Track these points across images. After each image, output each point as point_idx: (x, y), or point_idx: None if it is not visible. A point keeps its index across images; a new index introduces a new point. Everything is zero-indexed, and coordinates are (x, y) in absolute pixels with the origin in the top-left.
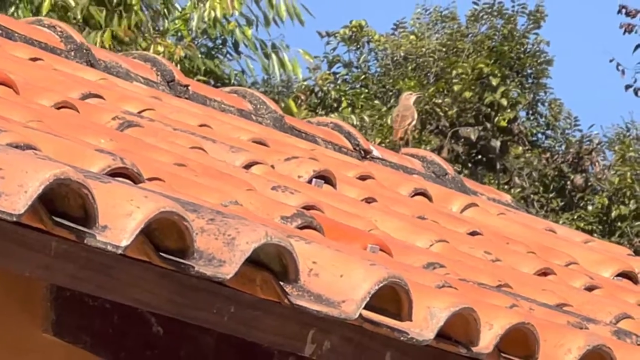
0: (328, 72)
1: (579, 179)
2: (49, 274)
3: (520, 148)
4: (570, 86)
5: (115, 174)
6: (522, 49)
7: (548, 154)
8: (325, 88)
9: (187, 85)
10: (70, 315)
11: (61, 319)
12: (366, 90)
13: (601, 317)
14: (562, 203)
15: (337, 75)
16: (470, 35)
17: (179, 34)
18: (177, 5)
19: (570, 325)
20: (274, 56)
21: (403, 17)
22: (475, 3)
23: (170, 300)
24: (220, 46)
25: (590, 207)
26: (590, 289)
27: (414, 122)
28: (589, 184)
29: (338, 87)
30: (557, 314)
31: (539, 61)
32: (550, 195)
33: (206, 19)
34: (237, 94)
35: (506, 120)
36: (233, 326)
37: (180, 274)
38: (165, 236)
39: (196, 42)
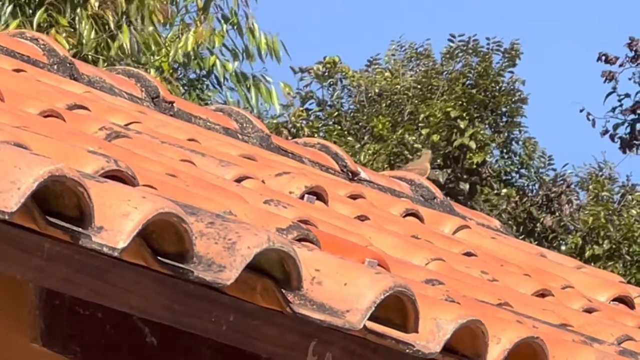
0: (301, 108)
1: (548, 221)
2: (41, 277)
3: (488, 190)
4: (544, 125)
5: (109, 177)
6: (497, 87)
7: (517, 197)
8: (298, 124)
9: (172, 102)
10: (60, 324)
11: (51, 328)
12: (339, 127)
13: (603, 338)
14: (535, 243)
15: (310, 112)
16: (445, 73)
17: (160, 66)
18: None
19: (578, 342)
20: (253, 89)
21: (377, 54)
22: (450, 40)
23: (167, 307)
24: (204, 78)
25: (563, 247)
26: (589, 311)
27: (428, 172)
28: (562, 223)
29: (311, 123)
30: (561, 332)
31: (513, 99)
32: (521, 237)
33: (184, 51)
34: (223, 112)
35: (475, 163)
36: (231, 336)
37: (178, 280)
38: (163, 239)
39: (180, 74)
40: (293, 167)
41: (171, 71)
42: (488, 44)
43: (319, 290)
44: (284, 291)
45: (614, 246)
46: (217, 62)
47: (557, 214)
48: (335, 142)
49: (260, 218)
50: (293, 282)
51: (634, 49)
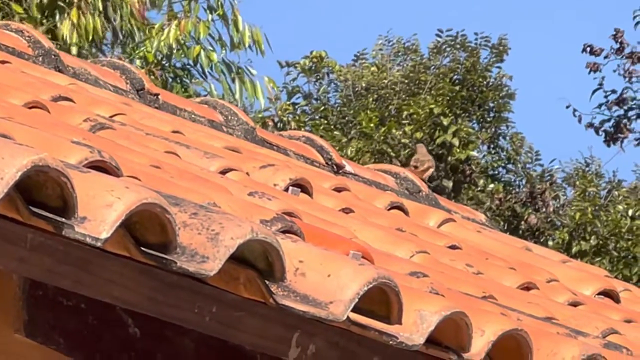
0: (288, 102)
1: (533, 219)
2: (24, 267)
3: (472, 187)
4: (531, 120)
5: (92, 167)
6: (485, 82)
7: (501, 195)
8: (285, 119)
9: (157, 94)
10: (44, 315)
11: (34, 319)
12: (325, 122)
13: (588, 331)
14: None
15: (297, 106)
16: (432, 68)
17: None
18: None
19: (563, 335)
20: (237, 81)
21: (364, 48)
22: (438, 35)
23: (150, 298)
24: (190, 68)
25: (550, 243)
26: (574, 304)
27: (432, 169)
28: (549, 219)
29: (298, 117)
30: (546, 325)
31: (500, 95)
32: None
33: (167, 44)
34: (208, 105)
35: (458, 160)
36: (214, 327)
37: (161, 271)
38: (146, 230)
39: (165, 64)
40: (278, 159)
41: (155, 62)
42: (476, 39)
43: (303, 281)
44: (267, 282)
45: (601, 242)
46: (202, 52)
47: (541, 211)
48: (322, 137)
49: (244, 210)
50: (276, 274)
51: (619, 40)
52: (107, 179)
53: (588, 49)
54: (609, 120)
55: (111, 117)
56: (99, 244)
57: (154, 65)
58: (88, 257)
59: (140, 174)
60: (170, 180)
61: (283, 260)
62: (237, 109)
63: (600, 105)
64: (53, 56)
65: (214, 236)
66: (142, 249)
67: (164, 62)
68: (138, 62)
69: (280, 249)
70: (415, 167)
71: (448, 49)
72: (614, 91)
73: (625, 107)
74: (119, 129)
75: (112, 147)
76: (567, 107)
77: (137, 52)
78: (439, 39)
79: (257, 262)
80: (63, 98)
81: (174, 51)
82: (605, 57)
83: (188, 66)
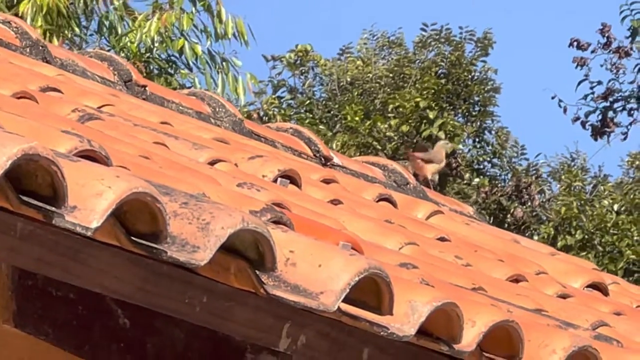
0: (273, 96)
1: (519, 212)
2: (14, 256)
3: (459, 181)
4: (517, 114)
5: (82, 157)
6: (470, 76)
7: (487, 188)
8: (270, 112)
9: (144, 86)
10: (33, 306)
11: (23, 309)
12: (310, 116)
13: (578, 324)
14: None
15: (282, 100)
16: (417, 62)
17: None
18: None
19: (554, 326)
20: (220, 75)
21: (349, 42)
22: (422, 29)
23: (140, 288)
24: (175, 60)
25: (536, 237)
26: (563, 297)
27: (439, 167)
28: (534, 214)
29: (283, 111)
30: (536, 317)
31: (486, 89)
32: None
33: (149, 37)
34: (196, 97)
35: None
36: (205, 317)
37: (151, 261)
38: (136, 219)
39: (149, 56)
40: (266, 150)
41: (139, 54)
42: (461, 33)
43: (293, 271)
44: (258, 272)
45: (586, 236)
46: (186, 44)
47: (527, 204)
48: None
49: (233, 200)
50: (267, 264)
51: (606, 35)
52: (97, 167)
53: (575, 43)
54: (594, 111)
55: (99, 108)
56: (89, 233)
57: (137, 57)
58: (78, 247)
59: (129, 164)
60: (159, 170)
61: (274, 250)
62: (225, 100)
63: (585, 97)
64: (41, 47)
65: (204, 226)
66: (133, 238)
67: (147, 55)
68: (122, 54)
69: (271, 239)
70: (422, 159)
71: (433, 43)
72: (599, 82)
73: (611, 99)
74: (107, 120)
75: (100, 137)
76: (553, 97)
77: (120, 43)
78: (423, 33)
79: (247, 252)
80: (51, 89)
81: (157, 43)
82: (593, 52)
83: (173, 57)
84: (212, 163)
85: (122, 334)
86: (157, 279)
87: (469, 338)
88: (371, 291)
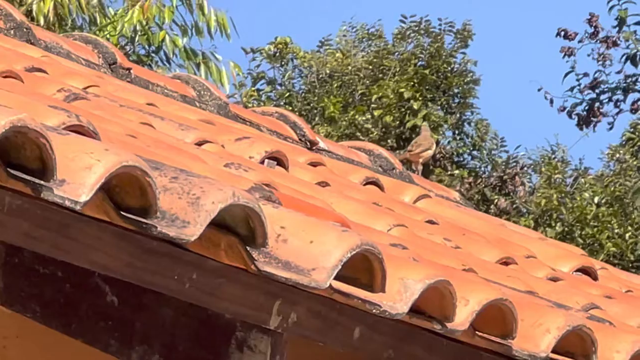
0: (253, 88)
1: (503, 203)
2: (1, 231)
3: (441, 171)
4: (496, 107)
5: (70, 131)
6: (449, 68)
7: (471, 179)
8: (250, 105)
9: (129, 69)
10: (20, 283)
11: (10, 287)
12: (290, 108)
13: (570, 305)
14: None
15: (261, 92)
16: (396, 54)
17: (109, 41)
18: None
19: (547, 306)
20: (202, 66)
21: (329, 34)
22: (402, 21)
23: (129, 264)
24: (153, 54)
25: None
26: (553, 280)
27: (430, 152)
28: (515, 206)
29: (262, 104)
30: (529, 297)
31: (465, 80)
32: None
33: (131, 26)
34: (181, 80)
35: None
36: (194, 294)
37: (141, 236)
38: (126, 193)
39: (129, 49)
40: (252, 133)
41: (119, 47)
42: (440, 24)
43: (285, 248)
44: (248, 248)
45: (566, 229)
46: (167, 37)
47: (511, 195)
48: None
49: (221, 179)
50: (258, 239)
51: (594, 25)
52: (87, 141)
53: (562, 33)
54: (580, 103)
55: (85, 88)
56: (77, 207)
57: (118, 49)
58: (66, 221)
59: (117, 142)
60: (147, 148)
61: (265, 225)
62: (210, 84)
63: (572, 88)
64: (25, 29)
65: (194, 200)
66: (122, 213)
67: (127, 47)
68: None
69: (262, 214)
70: (410, 151)
71: (412, 35)
72: (586, 74)
73: (598, 91)
74: (93, 100)
75: (87, 116)
76: (539, 90)
77: (100, 35)
78: (403, 24)
79: (238, 227)
80: (36, 69)
81: (138, 35)
82: (580, 42)
83: (152, 54)
84: (199, 144)
85: (110, 312)
86: (146, 255)
87: (462, 317)
88: (363, 268)
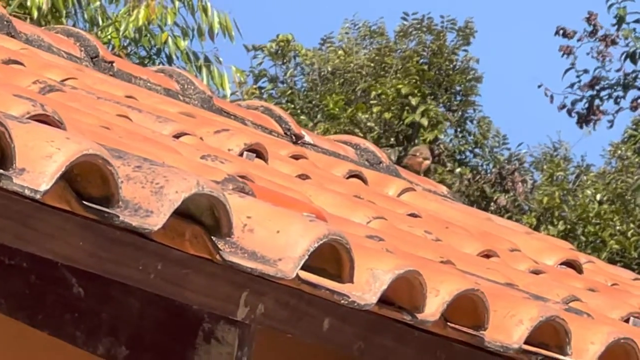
0: (254, 86)
1: (502, 200)
2: None
3: (442, 169)
4: (499, 104)
5: (35, 121)
6: (451, 66)
7: (470, 175)
8: None
9: (111, 62)
10: None
11: None
12: (292, 106)
13: (549, 297)
14: None
15: (263, 90)
16: (398, 51)
17: (111, 42)
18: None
19: (522, 297)
20: (204, 69)
21: (331, 32)
22: (404, 19)
23: (93, 254)
24: (154, 56)
25: None
26: (535, 272)
27: (428, 162)
28: (517, 203)
29: (264, 101)
30: (504, 289)
31: (467, 78)
32: None
33: (135, 27)
34: (164, 73)
35: (427, 141)
36: (160, 285)
37: (104, 226)
38: (88, 183)
39: (131, 50)
40: (233, 126)
41: (121, 47)
42: (442, 22)
43: (251, 237)
44: (213, 238)
45: (568, 226)
46: (169, 39)
47: (510, 192)
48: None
49: (194, 171)
50: (223, 229)
51: (592, 23)
52: (47, 129)
53: (561, 31)
54: (580, 100)
55: (62, 81)
56: (38, 197)
57: (119, 49)
58: (28, 211)
59: (87, 133)
60: (118, 140)
61: (230, 215)
62: (194, 77)
63: (572, 85)
64: (5, 22)
65: (158, 190)
66: (84, 202)
67: (129, 48)
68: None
69: (227, 204)
70: (413, 156)
71: (414, 33)
72: (585, 71)
73: (598, 88)
74: (69, 92)
75: (60, 107)
76: (539, 86)
77: (102, 36)
78: (405, 22)
79: (203, 217)
80: (13, 61)
81: (142, 37)
82: (579, 40)
83: (153, 56)
84: (177, 136)
85: (77, 303)
86: (110, 245)
87: (433, 307)
88: (331, 259)
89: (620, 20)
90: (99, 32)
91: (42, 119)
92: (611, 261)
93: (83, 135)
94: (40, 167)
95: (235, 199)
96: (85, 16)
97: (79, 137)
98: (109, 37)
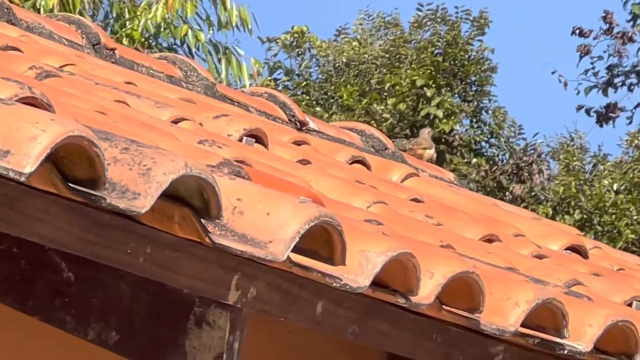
0: (269, 78)
1: (518, 190)
2: None
3: (458, 160)
4: (514, 94)
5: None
6: (466, 56)
7: (487, 166)
8: None
9: (113, 49)
10: None
11: None
12: (307, 97)
13: (551, 281)
14: None
15: (278, 82)
16: (413, 42)
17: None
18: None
19: (520, 281)
20: (224, 60)
21: (345, 23)
22: (418, 9)
23: (80, 237)
24: (177, 47)
25: None
26: (538, 257)
27: (432, 152)
28: (533, 193)
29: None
30: (503, 272)
31: (482, 68)
32: None
33: (154, 22)
34: (167, 60)
35: (442, 132)
36: (149, 269)
37: (91, 209)
38: (74, 165)
39: (152, 43)
40: (234, 111)
41: (142, 40)
42: (457, 12)
43: (241, 220)
44: (203, 221)
45: (585, 216)
46: (189, 32)
47: (527, 183)
48: (303, 112)
49: (190, 155)
50: (212, 211)
51: (608, 21)
52: (32, 111)
53: (577, 31)
54: (595, 86)
55: (60, 67)
56: (22, 179)
57: (140, 44)
58: (13, 194)
59: (81, 117)
60: (113, 124)
61: (219, 197)
62: (197, 64)
63: (586, 72)
64: (5, 9)
65: (145, 172)
66: (70, 184)
67: (150, 41)
68: (125, 41)
69: (216, 185)
70: (411, 148)
71: (429, 23)
72: (600, 57)
73: (610, 73)
74: (66, 78)
75: (55, 92)
76: (553, 72)
77: (124, 30)
78: (419, 13)
79: (192, 199)
80: (11, 48)
81: (162, 30)
82: (595, 39)
83: (175, 46)
84: (176, 122)
85: (67, 288)
86: (98, 229)
87: (427, 290)
88: (323, 241)
89: (635, 17)
90: (119, 28)
91: (30, 101)
92: (628, 251)
93: (70, 118)
94: (24, 149)
95: (225, 181)
96: (113, 12)
97: (64, 119)
98: (131, 30)
